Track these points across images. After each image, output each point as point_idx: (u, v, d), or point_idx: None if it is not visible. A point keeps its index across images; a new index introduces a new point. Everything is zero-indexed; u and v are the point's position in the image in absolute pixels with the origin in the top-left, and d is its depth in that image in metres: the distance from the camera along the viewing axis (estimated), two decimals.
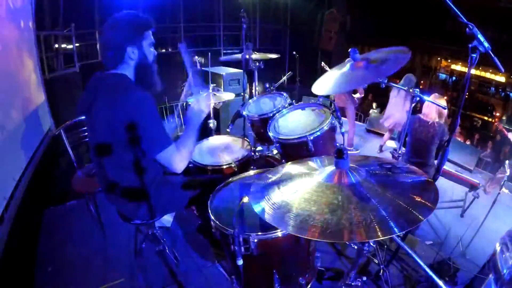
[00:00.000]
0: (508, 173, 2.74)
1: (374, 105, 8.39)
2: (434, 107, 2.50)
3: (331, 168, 0.99)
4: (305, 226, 0.80)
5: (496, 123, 7.22)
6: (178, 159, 1.32)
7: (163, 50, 8.47)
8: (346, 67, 1.55)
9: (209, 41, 8.66)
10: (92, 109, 1.30)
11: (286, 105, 1.98)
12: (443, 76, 12.04)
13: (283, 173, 1.13)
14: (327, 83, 1.56)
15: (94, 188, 2.05)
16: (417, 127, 2.62)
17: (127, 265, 1.98)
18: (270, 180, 1.09)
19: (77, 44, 5.34)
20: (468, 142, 6.31)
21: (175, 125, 1.73)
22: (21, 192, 2.06)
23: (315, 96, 1.70)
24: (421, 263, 0.90)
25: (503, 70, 1.13)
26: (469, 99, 10.47)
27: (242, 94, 3.70)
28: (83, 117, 1.45)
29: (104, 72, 1.33)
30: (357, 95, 4.47)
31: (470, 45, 1.12)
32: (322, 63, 4.56)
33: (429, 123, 2.56)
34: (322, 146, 1.62)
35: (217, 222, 1.22)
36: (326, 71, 1.75)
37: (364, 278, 1.26)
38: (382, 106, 8.38)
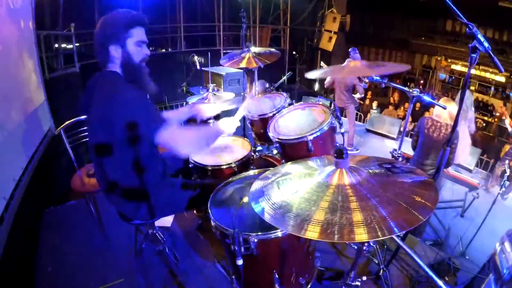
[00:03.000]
0: (508, 173, 2.74)
1: (374, 105, 8.38)
2: (446, 110, 2.51)
3: (331, 168, 0.99)
4: (305, 226, 0.80)
5: (500, 107, 7.12)
6: (179, 139, 1.27)
7: (163, 50, 8.47)
8: (344, 63, 1.59)
9: (209, 41, 8.65)
10: (90, 108, 1.30)
11: (286, 105, 1.98)
12: (443, 76, 12.05)
13: (283, 173, 1.13)
14: (321, 70, 1.69)
15: (94, 188, 2.05)
16: (430, 127, 2.65)
17: (127, 265, 1.98)
18: (270, 180, 1.09)
19: (77, 44, 5.34)
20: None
21: None
22: (21, 192, 2.05)
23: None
24: (421, 263, 0.90)
25: (503, 70, 1.13)
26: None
27: (242, 94, 3.70)
28: (83, 117, 1.45)
29: (101, 71, 1.33)
30: (357, 95, 4.47)
31: (470, 45, 1.12)
32: (322, 62, 4.56)
33: (442, 124, 2.60)
34: (322, 146, 1.62)
35: (217, 222, 1.22)
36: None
37: (364, 278, 1.26)
38: (383, 106, 8.38)
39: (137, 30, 1.30)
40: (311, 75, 1.67)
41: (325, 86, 4.68)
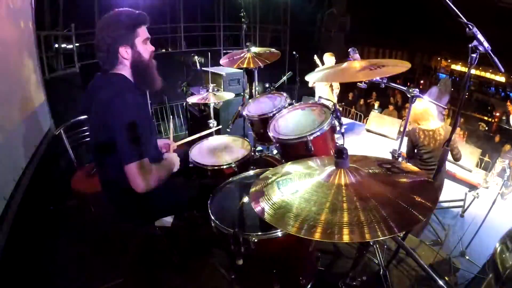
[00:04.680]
0: (508, 173, 2.74)
1: (376, 105, 8.35)
2: (435, 113, 2.42)
3: (331, 168, 0.99)
4: (305, 226, 0.80)
5: (508, 104, 7.07)
6: (140, 179, 1.25)
7: (163, 50, 8.47)
8: (343, 64, 1.58)
9: (209, 41, 8.66)
10: (91, 109, 1.31)
11: (286, 105, 1.98)
12: (443, 76, 12.05)
13: (283, 173, 1.13)
14: (320, 73, 1.68)
15: (94, 188, 2.05)
16: (424, 139, 2.48)
17: (127, 265, 1.98)
18: (270, 180, 1.09)
19: (77, 44, 5.35)
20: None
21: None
22: (21, 193, 2.05)
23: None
24: (421, 263, 0.90)
25: (503, 70, 1.13)
26: (469, 99, 10.48)
27: (242, 94, 3.70)
28: (83, 117, 1.45)
29: (105, 73, 1.33)
30: (335, 91, 4.50)
31: (470, 45, 1.12)
32: (315, 56, 4.50)
33: (435, 131, 2.45)
34: (322, 146, 1.62)
35: (217, 222, 1.22)
36: (317, 65, 1.76)
37: (364, 278, 1.26)
38: (384, 106, 8.37)
39: (142, 28, 1.32)
40: (309, 78, 1.66)
41: (309, 85, 4.61)
